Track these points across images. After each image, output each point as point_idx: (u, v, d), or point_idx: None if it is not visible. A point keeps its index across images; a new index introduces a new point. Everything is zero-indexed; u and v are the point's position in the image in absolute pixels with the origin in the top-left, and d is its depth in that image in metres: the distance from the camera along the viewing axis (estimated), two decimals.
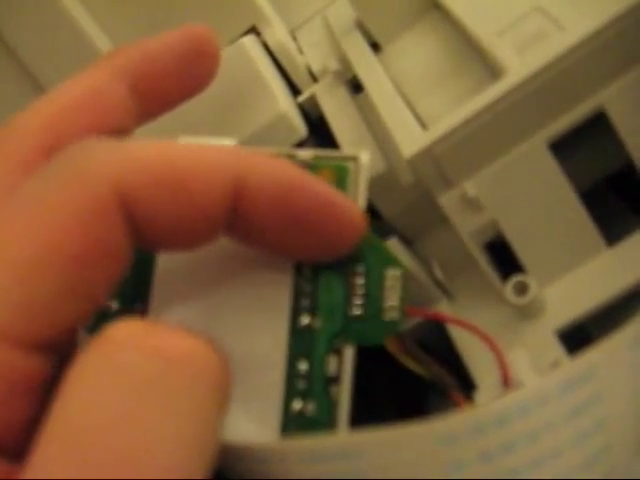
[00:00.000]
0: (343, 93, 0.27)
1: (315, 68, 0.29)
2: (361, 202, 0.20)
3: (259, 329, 0.19)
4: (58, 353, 0.15)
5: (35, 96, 0.29)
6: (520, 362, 0.20)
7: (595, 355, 0.14)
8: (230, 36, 0.28)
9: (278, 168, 0.17)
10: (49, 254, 0.15)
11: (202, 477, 0.14)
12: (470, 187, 0.22)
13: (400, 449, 0.14)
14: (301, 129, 0.26)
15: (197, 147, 0.16)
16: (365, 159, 0.20)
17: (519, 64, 0.22)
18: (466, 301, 0.25)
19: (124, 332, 0.14)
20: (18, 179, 0.19)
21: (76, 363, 0.14)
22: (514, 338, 0.23)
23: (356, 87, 0.28)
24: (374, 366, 0.23)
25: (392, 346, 0.23)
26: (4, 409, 0.14)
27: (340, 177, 0.20)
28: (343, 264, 0.19)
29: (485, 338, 0.21)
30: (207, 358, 0.14)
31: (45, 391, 0.15)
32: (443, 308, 0.25)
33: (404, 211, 0.25)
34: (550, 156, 0.23)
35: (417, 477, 0.14)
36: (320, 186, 0.17)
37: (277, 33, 0.29)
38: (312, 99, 0.28)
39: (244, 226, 0.17)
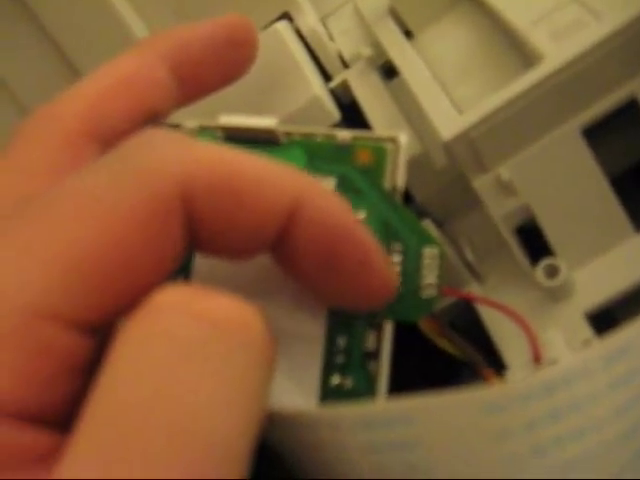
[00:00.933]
0: (375, 79, 0.28)
1: (346, 55, 0.29)
2: (400, 183, 0.20)
3: (299, 306, 0.20)
4: (104, 333, 0.16)
5: (71, 80, 0.30)
6: (556, 342, 0.21)
7: (634, 330, 0.15)
8: (263, 22, 0.29)
9: (335, 206, 0.17)
10: (109, 246, 0.15)
11: (250, 443, 0.14)
12: (504, 171, 0.23)
13: (451, 415, 0.15)
14: (334, 113, 0.27)
15: (263, 161, 0.16)
16: (404, 140, 0.20)
17: (556, 51, 0.22)
18: (496, 284, 0.25)
19: (171, 297, 0.14)
20: (63, 159, 0.19)
21: (123, 329, 0.14)
22: (544, 320, 0.24)
23: (388, 73, 0.28)
24: (406, 346, 0.23)
25: (426, 326, 0.23)
26: (55, 385, 0.15)
27: (379, 158, 0.21)
28: (381, 242, 0.19)
29: (517, 318, 0.22)
30: (255, 323, 0.14)
31: (91, 369, 0.15)
32: (473, 290, 0.25)
33: (436, 194, 0.26)
34: (583, 142, 0.23)
35: (465, 444, 0.15)
36: (368, 240, 0.17)
37: (309, 20, 0.29)
38: (343, 85, 0.29)
39: (286, 251, 0.17)
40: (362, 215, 0.20)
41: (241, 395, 0.14)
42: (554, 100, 0.22)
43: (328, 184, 0.20)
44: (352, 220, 0.17)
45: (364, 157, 0.21)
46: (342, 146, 0.21)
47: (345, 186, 0.20)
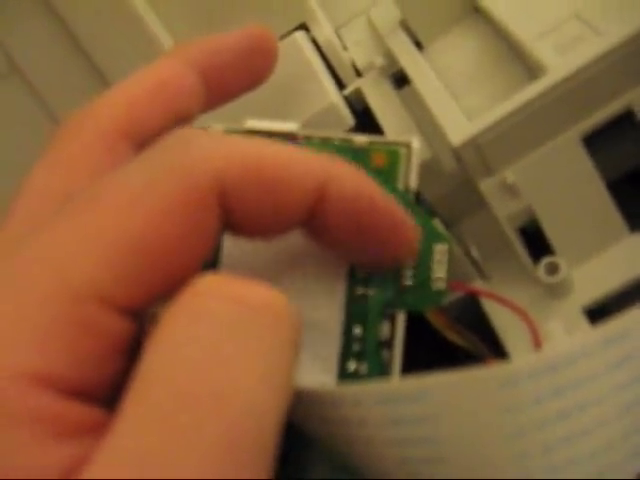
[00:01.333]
0: (387, 87, 0.29)
1: (359, 64, 0.31)
2: (413, 184, 0.22)
3: (318, 297, 0.21)
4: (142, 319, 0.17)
5: (99, 88, 0.31)
6: (556, 333, 0.22)
7: (630, 318, 0.16)
8: (281, 31, 0.30)
9: (359, 181, 0.18)
10: (151, 238, 0.16)
11: (281, 417, 0.15)
12: (509, 175, 0.25)
13: (466, 391, 0.16)
14: (349, 119, 0.28)
15: (291, 149, 0.18)
16: (417, 145, 0.22)
17: (559, 64, 0.24)
18: (500, 280, 0.27)
19: (211, 283, 0.15)
20: (101, 158, 0.20)
21: (167, 311, 0.15)
22: (545, 314, 0.25)
23: (399, 82, 0.30)
24: (415, 340, 0.25)
25: (435, 319, 0.25)
26: (103, 365, 0.16)
27: (392, 161, 0.22)
28: None
29: (519, 311, 0.24)
30: (287, 308, 0.16)
31: (131, 352, 0.16)
32: (478, 287, 0.27)
33: (445, 196, 0.27)
34: (582, 149, 0.25)
35: (478, 418, 0.16)
36: (393, 207, 0.19)
37: (324, 30, 0.31)
38: (356, 93, 0.30)
39: (318, 225, 0.18)
40: None
41: (275, 372, 0.15)
42: (556, 110, 0.24)
43: None
44: (377, 191, 0.19)
45: (379, 160, 0.22)
46: (358, 150, 0.22)
47: None
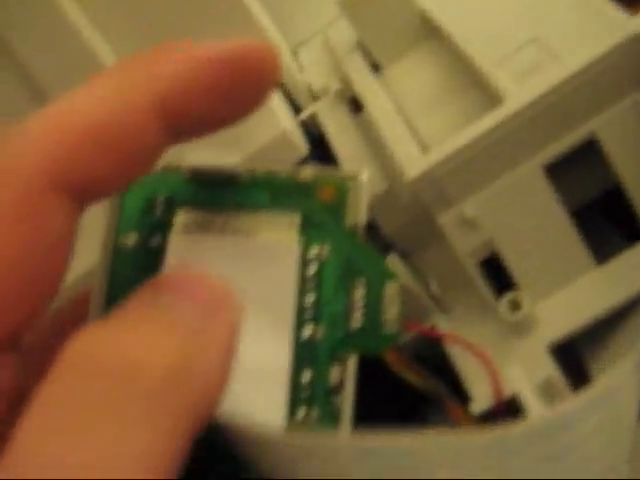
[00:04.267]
0: (344, 112, 0.28)
1: (315, 87, 0.30)
2: (361, 219, 0.21)
3: (263, 340, 0.20)
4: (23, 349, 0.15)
5: (37, 103, 0.30)
6: (517, 378, 0.21)
7: (609, 380, 0.15)
8: None
9: (192, 65, 0.16)
10: None
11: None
12: (468, 207, 0.23)
13: (462, 457, 0.15)
14: (302, 147, 0.27)
15: (110, 94, 0.15)
16: (365, 178, 0.21)
17: (517, 93, 0.23)
18: (461, 315, 0.26)
19: (87, 342, 0.14)
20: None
21: (37, 388, 0.14)
22: (507, 353, 0.24)
23: (357, 106, 0.29)
24: (370, 379, 0.24)
25: (391, 359, 0.23)
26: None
27: (340, 195, 0.21)
28: (344, 277, 0.20)
29: (478, 353, 0.22)
30: (186, 368, 0.14)
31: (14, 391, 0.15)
32: (438, 321, 0.25)
33: (402, 227, 0.26)
34: (544, 179, 0.24)
35: None
36: (225, 46, 0.17)
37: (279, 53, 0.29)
38: (313, 117, 0.29)
39: (180, 126, 0.16)
40: (327, 249, 0.20)
41: (157, 452, 0.13)
42: (516, 139, 0.23)
43: (293, 219, 0.21)
44: (205, 54, 0.16)
45: (327, 194, 0.21)
46: (305, 183, 0.21)
47: (309, 222, 0.21)
